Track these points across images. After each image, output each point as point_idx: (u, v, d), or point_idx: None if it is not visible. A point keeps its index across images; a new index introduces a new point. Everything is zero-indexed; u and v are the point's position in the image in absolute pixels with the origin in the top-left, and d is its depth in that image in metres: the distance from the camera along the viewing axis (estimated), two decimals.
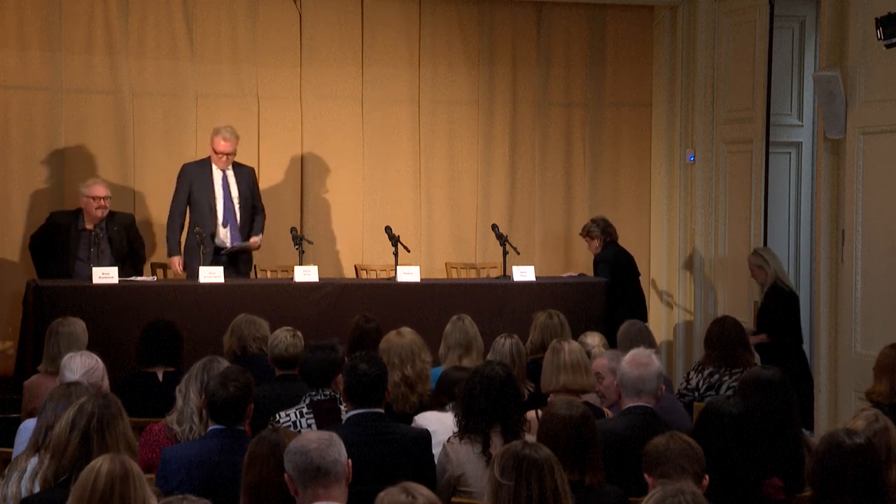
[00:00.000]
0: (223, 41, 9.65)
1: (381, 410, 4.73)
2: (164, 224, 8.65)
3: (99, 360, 5.16)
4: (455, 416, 4.82)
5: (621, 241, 9.19)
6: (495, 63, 10.21)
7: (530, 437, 4.44)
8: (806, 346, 8.86)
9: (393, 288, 8.35)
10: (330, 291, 8.17)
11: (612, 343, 6.83)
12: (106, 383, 5.13)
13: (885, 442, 4.22)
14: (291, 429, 4.79)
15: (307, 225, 9.74)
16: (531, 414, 4.91)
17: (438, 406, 5.36)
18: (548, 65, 10.32)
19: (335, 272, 9.73)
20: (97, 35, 9.34)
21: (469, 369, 5.14)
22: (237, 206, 8.51)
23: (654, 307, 10.28)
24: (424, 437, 4.78)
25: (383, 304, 8.00)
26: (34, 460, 4.25)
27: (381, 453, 4.55)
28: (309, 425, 5.05)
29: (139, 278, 8.19)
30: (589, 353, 6.00)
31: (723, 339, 6.70)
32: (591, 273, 9.14)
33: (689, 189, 9.96)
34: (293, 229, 8.65)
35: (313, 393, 5.20)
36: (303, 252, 8.37)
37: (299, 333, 5.90)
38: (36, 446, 4.30)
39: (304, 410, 5.13)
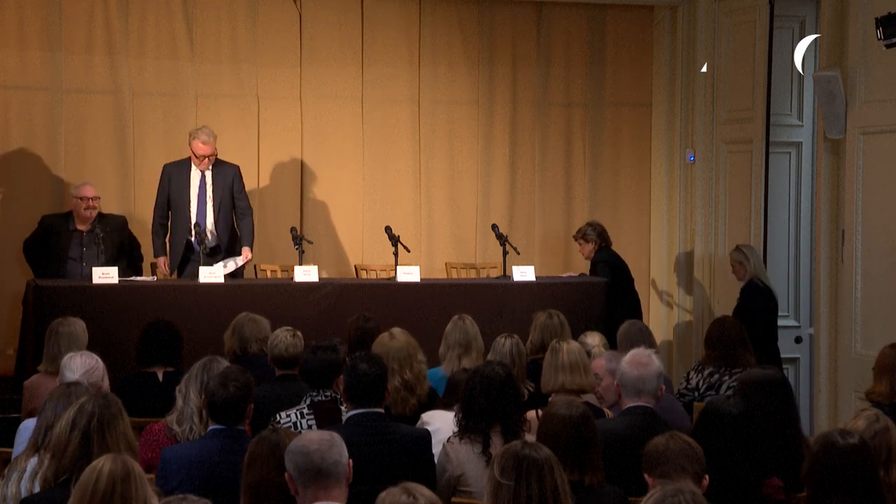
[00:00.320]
0: (223, 41, 9.65)
1: (382, 410, 4.73)
2: None
3: (99, 360, 5.16)
4: (455, 416, 4.82)
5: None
6: (495, 63, 10.21)
7: (530, 437, 4.44)
8: (805, 346, 8.86)
9: (393, 288, 8.35)
10: (330, 291, 8.17)
11: (612, 343, 6.83)
12: (106, 383, 5.13)
13: (886, 442, 4.22)
14: (292, 429, 4.79)
15: (307, 225, 9.74)
16: (531, 414, 4.91)
17: (444, 407, 5.36)
18: (548, 65, 10.32)
19: (335, 272, 9.73)
20: (97, 35, 9.35)
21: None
22: (209, 208, 8.46)
23: (654, 307, 10.28)
24: (424, 437, 4.78)
25: (383, 304, 8.00)
26: (34, 460, 4.25)
27: (381, 453, 4.55)
28: (309, 426, 5.04)
29: (139, 278, 8.20)
30: (589, 353, 5.99)
31: (723, 339, 6.70)
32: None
33: (689, 189, 9.96)
34: (293, 229, 8.65)
35: (314, 393, 5.20)
36: (303, 252, 8.37)
37: (299, 333, 5.89)
38: (36, 446, 4.30)
39: (305, 411, 5.13)
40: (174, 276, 8.54)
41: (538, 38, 10.29)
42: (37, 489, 4.11)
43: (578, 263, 9.96)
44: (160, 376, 6.10)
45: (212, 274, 7.95)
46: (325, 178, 9.88)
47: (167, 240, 8.53)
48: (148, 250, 8.67)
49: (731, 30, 9.38)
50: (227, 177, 8.50)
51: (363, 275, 9.63)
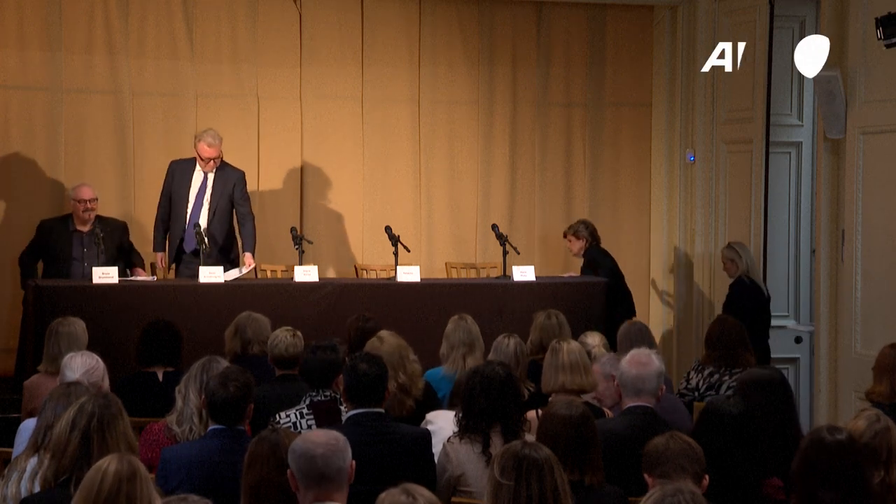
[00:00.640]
0: (223, 41, 9.65)
1: (382, 410, 4.73)
2: None
3: (99, 360, 5.16)
4: (455, 416, 4.82)
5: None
6: (495, 63, 10.21)
7: (530, 437, 4.44)
8: (806, 346, 8.86)
9: (393, 288, 8.35)
10: (330, 291, 8.17)
11: (612, 342, 6.82)
12: (106, 383, 5.13)
13: (887, 442, 4.21)
14: (292, 429, 4.79)
15: (307, 225, 9.73)
16: (531, 414, 4.91)
17: (452, 407, 5.36)
18: (548, 65, 10.32)
19: (335, 272, 9.73)
20: (97, 35, 9.34)
21: None
22: (204, 210, 8.46)
23: (655, 307, 10.28)
24: (424, 437, 4.78)
25: (383, 304, 8.00)
26: (34, 460, 4.25)
27: (381, 453, 4.55)
28: (309, 426, 5.04)
29: (139, 278, 8.20)
30: (589, 353, 5.99)
31: (723, 339, 6.69)
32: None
33: (689, 189, 9.96)
34: (293, 229, 8.65)
35: (314, 393, 5.20)
36: (303, 252, 8.36)
37: (299, 333, 5.89)
38: (36, 446, 4.30)
39: (305, 411, 5.13)
40: (171, 272, 8.55)
41: (538, 38, 10.29)
42: (37, 489, 4.11)
43: (578, 263, 9.95)
44: (160, 376, 6.10)
45: (212, 274, 7.95)
46: (326, 178, 9.87)
47: (166, 236, 8.55)
48: (148, 257, 8.67)
49: (731, 30, 9.38)
50: (228, 182, 8.48)
51: (363, 275, 9.63)
